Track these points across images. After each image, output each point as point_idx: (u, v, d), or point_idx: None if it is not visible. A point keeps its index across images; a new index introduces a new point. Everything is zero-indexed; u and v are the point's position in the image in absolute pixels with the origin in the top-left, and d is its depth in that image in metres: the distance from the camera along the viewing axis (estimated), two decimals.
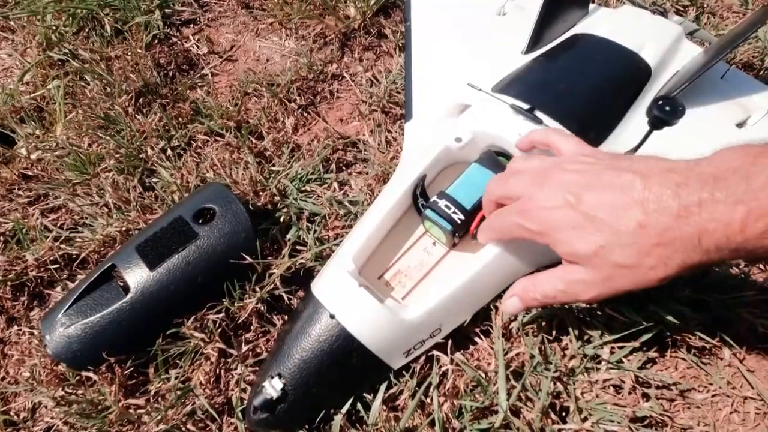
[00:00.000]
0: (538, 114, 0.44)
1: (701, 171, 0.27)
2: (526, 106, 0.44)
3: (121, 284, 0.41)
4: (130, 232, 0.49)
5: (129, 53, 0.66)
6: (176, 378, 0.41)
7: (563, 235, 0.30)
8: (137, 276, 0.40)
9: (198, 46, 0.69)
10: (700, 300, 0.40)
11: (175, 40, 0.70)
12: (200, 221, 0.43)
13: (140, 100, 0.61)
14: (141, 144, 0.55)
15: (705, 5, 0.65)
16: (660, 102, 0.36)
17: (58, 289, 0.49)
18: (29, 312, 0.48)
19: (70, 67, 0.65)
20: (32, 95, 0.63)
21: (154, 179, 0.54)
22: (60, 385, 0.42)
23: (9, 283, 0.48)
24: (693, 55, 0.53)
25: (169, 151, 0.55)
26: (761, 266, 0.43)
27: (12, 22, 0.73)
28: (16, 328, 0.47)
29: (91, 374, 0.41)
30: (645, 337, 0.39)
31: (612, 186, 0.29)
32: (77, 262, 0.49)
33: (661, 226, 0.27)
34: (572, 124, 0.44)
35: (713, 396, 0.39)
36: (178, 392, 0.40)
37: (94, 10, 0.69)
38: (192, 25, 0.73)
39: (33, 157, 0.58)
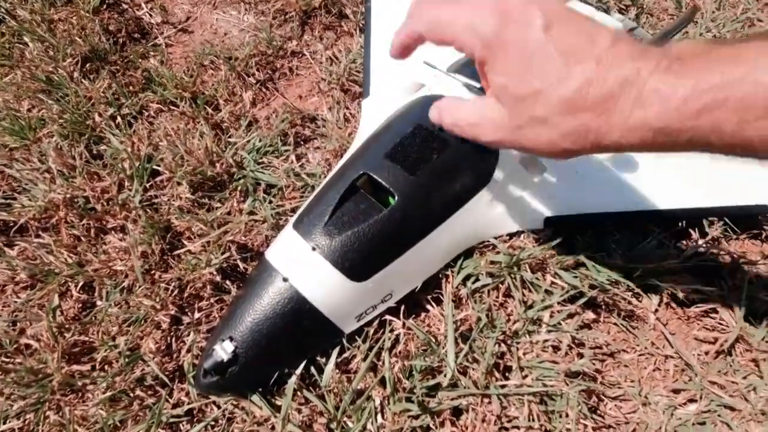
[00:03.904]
0: None
1: (664, 50, 0.25)
2: (478, 86, 0.47)
3: (369, 193, 0.41)
4: (76, 200, 0.47)
5: (74, 17, 0.63)
6: (125, 344, 0.40)
7: (509, 58, 0.27)
8: (399, 181, 0.39)
9: (151, 15, 0.67)
10: (630, 268, 0.44)
11: (125, 6, 0.67)
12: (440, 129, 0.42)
13: (87, 66, 0.58)
14: (88, 110, 0.53)
15: (644, 5, 0.70)
16: None
17: None
18: None
19: (6, 28, 0.61)
20: None
21: (102, 147, 0.52)
22: None
23: None
24: None
25: (119, 119, 0.53)
26: (682, 239, 0.48)
27: None
28: None
29: (31, 341, 0.39)
30: (581, 301, 0.42)
31: (583, 30, 0.26)
32: (15, 228, 0.46)
33: (604, 90, 0.25)
34: None
35: (639, 356, 0.43)
36: (126, 359, 0.39)
37: None
38: None
39: None
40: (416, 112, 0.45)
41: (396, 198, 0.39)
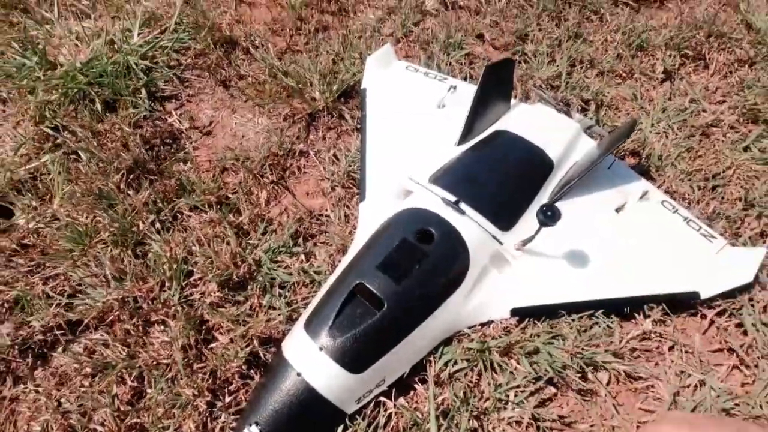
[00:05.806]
0: (462, 206, 0.57)
1: None
2: (453, 199, 0.57)
3: (365, 298, 0.51)
4: (126, 299, 0.58)
5: (117, 129, 0.75)
6: (173, 426, 0.50)
7: None
8: (387, 290, 0.50)
9: (180, 122, 0.79)
10: (581, 351, 0.53)
11: (159, 114, 0.79)
12: (420, 241, 0.54)
13: (130, 176, 0.69)
14: (133, 218, 0.64)
15: (603, 101, 0.81)
16: (544, 208, 0.50)
17: (59, 350, 0.56)
18: (33, 371, 0.56)
19: (63, 143, 0.73)
20: (27, 167, 0.71)
21: (144, 248, 0.63)
22: None
23: (16, 347, 0.55)
24: (588, 148, 0.67)
25: (158, 224, 0.64)
26: (628, 322, 0.57)
27: (3, 94, 0.80)
28: (22, 386, 0.55)
29: (98, 426, 0.49)
30: (541, 382, 0.52)
31: None
32: (80, 327, 0.57)
33: None
34: (489, 215, 0.57)
35: (591, 426, 0.52)
36: None
37: (84, 89, 0.77)
38: (174, 101, 0.82)
39: (30, 226, 0.65)
40: (402, 225, 0.56)
41: (386, 304, 0.50)
